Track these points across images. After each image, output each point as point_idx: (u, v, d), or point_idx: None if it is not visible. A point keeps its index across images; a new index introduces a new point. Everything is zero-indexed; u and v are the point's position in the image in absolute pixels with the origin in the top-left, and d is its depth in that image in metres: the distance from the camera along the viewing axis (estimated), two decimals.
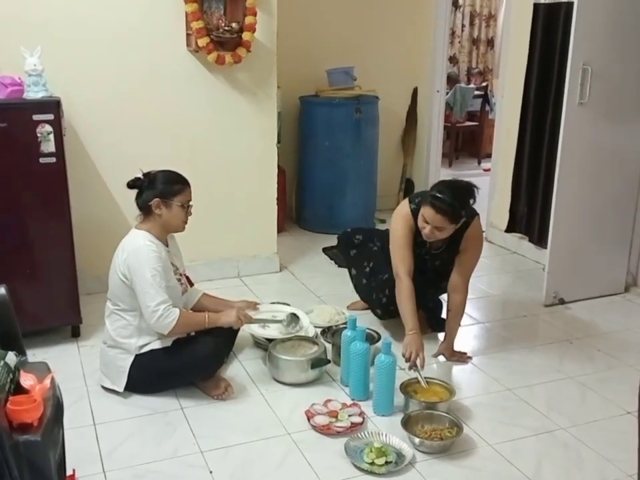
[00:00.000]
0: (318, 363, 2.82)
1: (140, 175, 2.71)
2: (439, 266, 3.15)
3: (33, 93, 2.98)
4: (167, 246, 2.78)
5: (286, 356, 2.84)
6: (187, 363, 2.69)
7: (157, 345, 2.70)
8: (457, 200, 2.81)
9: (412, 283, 2.94)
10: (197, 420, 2.59)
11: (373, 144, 5.15)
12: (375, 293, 3.27)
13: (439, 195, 2.80)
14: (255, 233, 4.12)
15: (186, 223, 2.76)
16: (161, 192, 2.67)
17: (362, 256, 3.42)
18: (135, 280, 2.59)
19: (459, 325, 3.10)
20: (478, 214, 3.06)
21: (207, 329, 2.75)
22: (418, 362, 2.71)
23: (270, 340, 2.98)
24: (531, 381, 2.94)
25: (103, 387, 2.78)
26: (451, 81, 8.18)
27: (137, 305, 2.64)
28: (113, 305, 2.73)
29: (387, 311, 3.23)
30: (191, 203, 2.75)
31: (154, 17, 3.57)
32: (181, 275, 2.85)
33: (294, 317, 3.06)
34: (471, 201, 2.87)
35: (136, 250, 2.62)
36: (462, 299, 3.06)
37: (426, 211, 2.84)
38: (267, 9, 3.75)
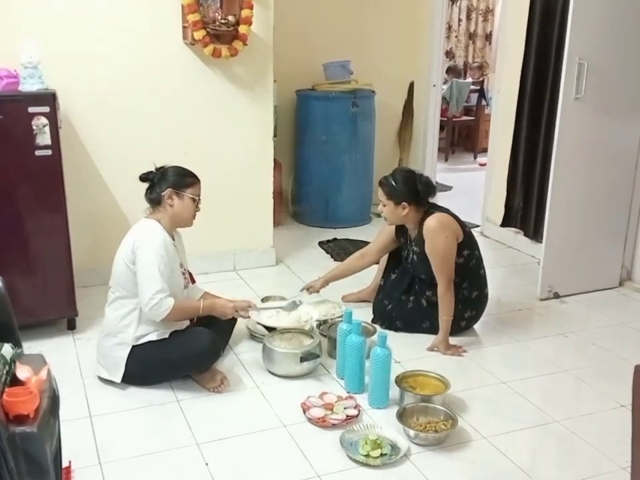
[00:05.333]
0: (307, 356, 2.83)
1: (152, 169, 2.77)
2: (416, 262, 3.20)
3: (29, 86, 2.97)
4: (174, 240, 2.80)
5: (278, 348, 2.85)
6: (184, 355, 2.70)
7: (154, 336, 2.71)
8: (393, 178, 3.13)
9: (360, 259, 3.51)
10: (192, 412, 2.59)
11: (369, 138, 5.15)
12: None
13: (384, 176, 3.20)
14: (251, 226, 4.13)
15: (194, 217, 2.80)
16: (173, 183, 2.72)
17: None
18: (140, 265, 2.62)
19: (449, 317, 3.08)
20: (445, 211, 3.15)
21: (205, 322, 2.82)
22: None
23: (270, 329, 3.00)
24: (526, 374, 2.95)
25: (100, 378, 2.78)
26: (452, 71, 8.20)
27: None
28: (116, 292, 2.74)
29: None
30: (200, 199, 2.78)
31: (150, 10, 3.55)
32: (184, 270, 2.87)
33: (294, 304, 3.07)
34: (416, 184, 3.09)
35: (145, 236, 2.66)
36: (441, 291, 3.06)
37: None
38: (263, 2, 3.74)
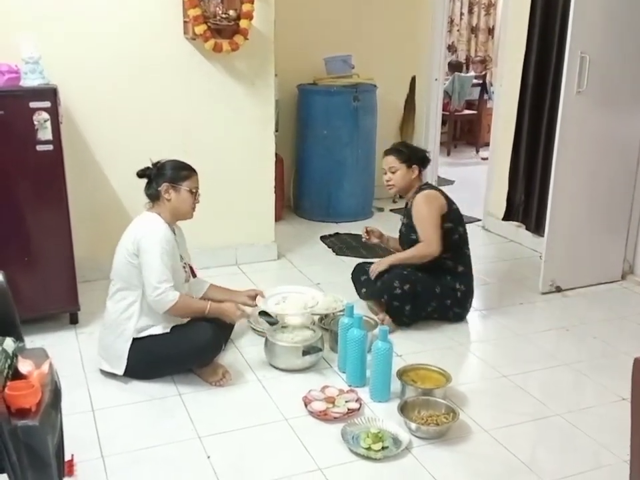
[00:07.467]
0: (310, 350, 2.83)
1: (149, 165, 2.77)
2: (404, 233, 3.39)
3: (30, 81, 2.98)
4: (175, 234, 2.80)
5: (280, 342, 2.86)
6: (186, 349, 2.71)
7: (156, 330, 2.72)
8: (401, 145, 3.47)
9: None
10: (194, 406, 2.60)
11: (371, 132, 5.14)
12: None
13: (389, 147, 3.41)
14: (253, 221, 4.13)
15: (194, 209, 2.81)
16: (169, 177, 2.73)
17: None
18: (144, 256, 2.64)
19: (401, 257, 3.30)
20: (435, 188, 3.37)
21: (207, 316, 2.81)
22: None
23: (272, 323, 3.00)
24: (527, 367, 2.96)
25: (102, 371, 2.80)
26: (453, 67, 8.17)
27: (141, 284, 2.68)
28: (117, 284, 2.75)
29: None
30: (198, 191, 2.79)
31: (151, 5, 3.55)
32: (185, 264, 2.88)
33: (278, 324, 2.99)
34: (421, 154, 3.37)
35: (148, 228, 2.68)
36: (417, 247, 3.23)
37: (383, 162, 3.36)
38: None
